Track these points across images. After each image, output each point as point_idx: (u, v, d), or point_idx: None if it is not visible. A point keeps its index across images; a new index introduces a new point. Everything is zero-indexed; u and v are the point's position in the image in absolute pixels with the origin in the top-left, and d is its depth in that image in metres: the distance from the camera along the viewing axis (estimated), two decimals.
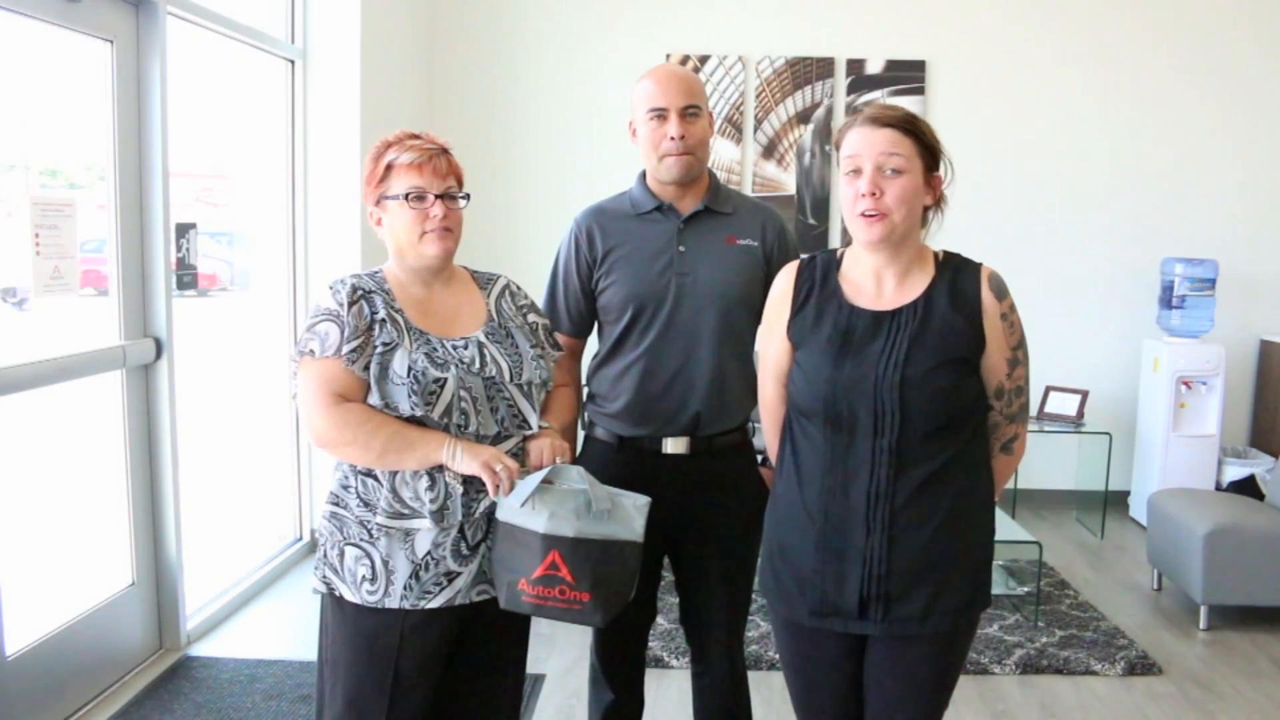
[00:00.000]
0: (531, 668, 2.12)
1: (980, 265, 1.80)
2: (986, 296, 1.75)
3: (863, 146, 1.71)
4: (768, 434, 1.98)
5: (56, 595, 3.10)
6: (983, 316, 1.74)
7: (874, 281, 1.79)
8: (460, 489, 1.81)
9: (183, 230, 3.67)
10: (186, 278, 3.71)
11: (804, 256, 1.91)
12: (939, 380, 1.70)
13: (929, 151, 1.73)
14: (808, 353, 1.79)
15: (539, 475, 1.80)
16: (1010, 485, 1.82)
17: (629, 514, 1.81)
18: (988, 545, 1.82)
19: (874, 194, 1.69)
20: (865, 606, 1.74)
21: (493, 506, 1.84)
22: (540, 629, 3.48)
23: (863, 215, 1.71)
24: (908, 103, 5.19)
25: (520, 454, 1.89)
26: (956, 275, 1.77)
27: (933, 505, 1.72)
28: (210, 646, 3.48)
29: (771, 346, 1.89)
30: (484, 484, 1.81)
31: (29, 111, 3.10)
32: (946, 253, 1.82)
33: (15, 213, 2.84)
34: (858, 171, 1.71)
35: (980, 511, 1.79)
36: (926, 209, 1.77)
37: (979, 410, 1.78)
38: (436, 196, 1.85)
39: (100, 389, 3.20)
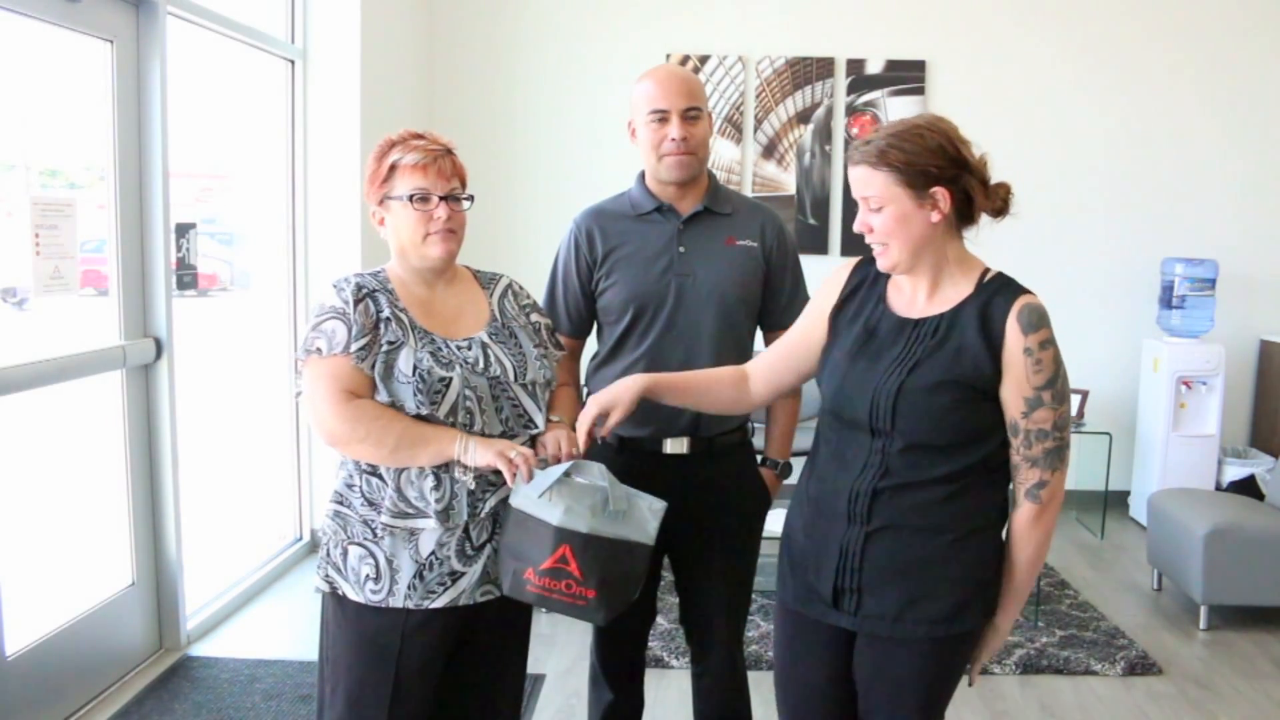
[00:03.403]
0: (531, 668, 2.12)
1: (1021, 293, 1.71)
2: (1011, 327, 1.66)
3: (851, 184, 1.75)
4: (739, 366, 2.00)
5: (56, 595, 3.10)
6: (1003, 347, 1.66)
7: (911, 287, 1.78)
8: (467, 488, 1.81)
9: (183, 230, 3.67)
10: (186, 278, 3.71)
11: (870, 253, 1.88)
12: (936, 399, 1.67)
13: (915, 173, 1.66)
14: (837, 347, 1.81)
15: (562, 468, 1.79)
16: (1011, 485, 1.76)
17: (643, 516, 1.82)
18: (979, 566, 1.74)
19: (869, 229, 1.72)
20: (839, 597, 1.75)
21: (498, 507, 1.84)
22: (540, 629, 3.48)
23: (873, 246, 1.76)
24: (908, 103, 5.20)
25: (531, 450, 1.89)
26: (992, 298, 1.71)
27: (913, 511, 1.70)
28: (210, 646, 3.48)
29: (804, 320, 1.92)
30: (494, 483, 1.82)
31: (29, 111, 3.09)
32: (998, 274, 1.76)
33: (15, 213, 2.84)
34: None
35: (974, 532, 1.72)
36: (970, 214, 1.73)
37: (989, 440, 1.71)
38: (441, 198, 1.85)
39: (100, 389, 3.20)
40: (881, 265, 1.75)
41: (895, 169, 1.66)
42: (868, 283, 1.84)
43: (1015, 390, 1.68)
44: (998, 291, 1.72)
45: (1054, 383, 1.68)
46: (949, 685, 1.81)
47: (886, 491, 1.71)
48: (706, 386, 1.98)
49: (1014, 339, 1.67)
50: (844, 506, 1.74)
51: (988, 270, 1.77)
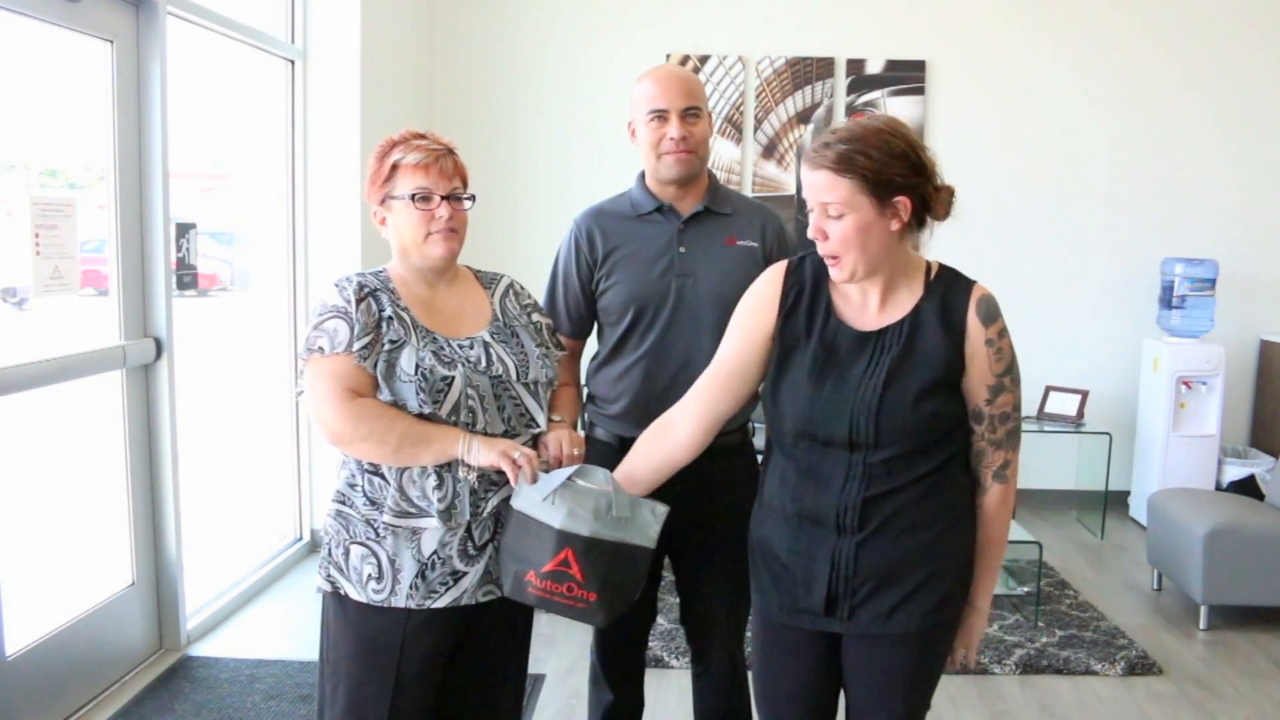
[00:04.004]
0: (531, 668, 2.12)
1: (972, 285, 1.72)
2: (972, 320, 1.69)
3: (806, 188, 1.68)
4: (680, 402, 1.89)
5: (56, 595, 3.10)
6: (965, 340, 1.68)
7: (860, 294, 1.75)
8: (470, 487, 1.81)
9: (183, 230, 3.67)
10: (186, 278, 3.71)
11: (793, 258, 1.85)
12: (918, 407, 1.67)
13: (880, 181, 1.62)
14: (792, 369, 1.76)
15: (566, 472, 1.79)
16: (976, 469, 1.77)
17: (646, 520, 1.82)
18: (960, 554, 1.77)
19: (823, 236, 1.67)
20: (832, 605, 1.75)
21: (500, 507, 1.84)
22: (540, 629, 3.48)
23: (825, 255, 1.70)
24: (908, 103, 5.21)
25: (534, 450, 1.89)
26: (946, 295, 1.71)
27: (900, 512, 1.71)
28: (210, 646, 3.48)
29: (735, 344, 1.83)
30: (496, 482, 1.82)
31: (29, 111, 3.09)
32: (942, 268, 1.76)
33: (15, 213, 2.84)
34: (812, 210, 1.68)
35: (954, 523, 1.75)
36: (913, 224, 1.69)
37: (959, 432, 1.74)
38: (443, 198, 1.85)
39: (100, 389, 3.20)
40: (837, 277, 1.71)
41: (862, 177, 1.61)
42: (807, 292, 1.78)
43: (979, 379, 1.70)
44: (950, 287, 1.72)
45: (1012, 368, 1.72)
46: (936, 673, 1.83)
47: (875, 500, 1.71)
48: (634, 469, 1.88)
49: (975, 332, 1.69)
50: (832, 520, 1.73)
51: (930, 265, 1.76)
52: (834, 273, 1.70)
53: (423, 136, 1.88)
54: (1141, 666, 3.45)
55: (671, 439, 1.87)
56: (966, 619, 1.83)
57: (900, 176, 1.63)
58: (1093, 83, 5.25)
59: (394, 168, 1.85)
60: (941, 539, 1.73)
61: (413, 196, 1.83)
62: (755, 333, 1.81)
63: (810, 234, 1.69)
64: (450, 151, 1.89)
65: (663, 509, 1.84)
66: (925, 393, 1.67)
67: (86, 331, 3.17)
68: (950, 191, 1.72)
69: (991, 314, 1.70)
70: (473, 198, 1.91)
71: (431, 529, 1.81)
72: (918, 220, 1.70)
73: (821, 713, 1.88)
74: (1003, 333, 1.71)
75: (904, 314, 1.72)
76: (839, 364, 1.72)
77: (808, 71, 5.24)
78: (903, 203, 1.64)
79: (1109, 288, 5.36)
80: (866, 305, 1.75)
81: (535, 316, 2.01)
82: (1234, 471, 5.00)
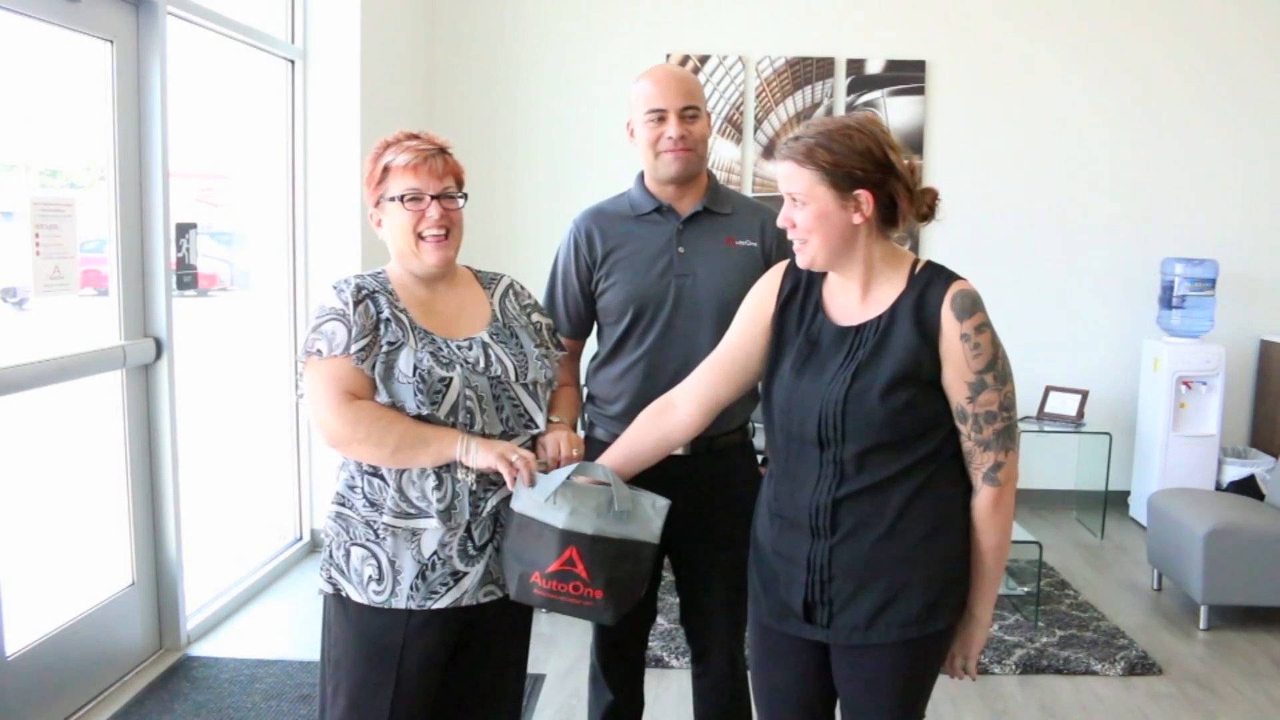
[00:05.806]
0: (531, 668, 2.13)
1: (952, 281, 1.71)
2: (946, 315, 1.67)
3: (778, 178, 1.74)
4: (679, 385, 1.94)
5: (56, 595, 3.10)
6: (940, 335, 1.67)
7: (844, 291, 1.77)
8: (469, 488, 1.81)
9: (183, 230, 3.67)
10: (186, 278, 3.71)
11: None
12: (887, 401, 1.66)
13: (840, 174, 1.66)
14: (782, 363, 1.79)
15: (566, 470, 1.80)
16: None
17: (647, 515, 1.82)
18: (948, 563, 1.74)
19: (791, 224, 1.72)
20: (811, 610, 1.75)
21: (500, 507, 1.84)
22: (540, 629, 3.48)
23: (793, 241, 1.76)
24: (908, 103, 5.21)
25: (531, 451, 1.89)
26: (925, 290, 1.71)
27: (875, 515, 1.70)
28: (210, 646, 3.48)
29: (738, 333, 1.88)
30: (495, 482, 1.82)
31: (29, 111, 3.10)
32: (928, 264, 1.76)
33: (15, 213, 2.84)
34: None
35: (939, 528, 1.72)
36: (894, 218, 1.72)
37: (939, 429, 1.71)
38: (433, 197, 1.85)
39: (100, 389, 3.20)
40: (800, 261, 1.75)
41: (821, 168, 1.66)
42: (802, 288, 1.82)
43: (957, 376, 1.68)
44: (930, 283, 1.72)
45: (994, 364, 1.69)
46: (926, 684, 1.82)
47: (846, 500, 1.71)
48: (633, 444, 1.92)
49: (950, 327, 1.67)
50: (806, 521, 1.73)
51: (918, 261, 1.76)
52: (798, 258, 1.76)
53: (416, 137, 1.88)
54: (1141, 666, 3.45)
55: (671, 418, 1.90)
56: (965, 627, 1.81)
57: (860, 171, 1.66)
58: (1093, 83, 5.25)
59: (386, 169, 1.86)
60: (926, 544, 1.71)
61: (402, 197, 1.84)
62: (755, 324, 1.85)
63: (780, 222, 1.75)
64: (442, 151, 1.89)
65: (663, 503, 1.85)
66: (892, 385, 1.67)
67: (86, 331, 3.17)
68: (932, 195, 1.74)
69: (968, 308, 1.68)
70: (465, 196, 1.91)
71: (431, 530, 1.81)
72: (885, 217, 1.71)
73: (817, 718, 1.88)
74: (981, 328, 1.67)
75: (884, 309, 1.73)
76: (819, 359, 1.74)
77: (808, 71, 5.24)
78: (864, 196, 1.67)
79: (1109, 288, 5.36)
80: (850, 301, 1.76)
81: (535, 317, 2.02)
82: (1234, 471, 5.00)
